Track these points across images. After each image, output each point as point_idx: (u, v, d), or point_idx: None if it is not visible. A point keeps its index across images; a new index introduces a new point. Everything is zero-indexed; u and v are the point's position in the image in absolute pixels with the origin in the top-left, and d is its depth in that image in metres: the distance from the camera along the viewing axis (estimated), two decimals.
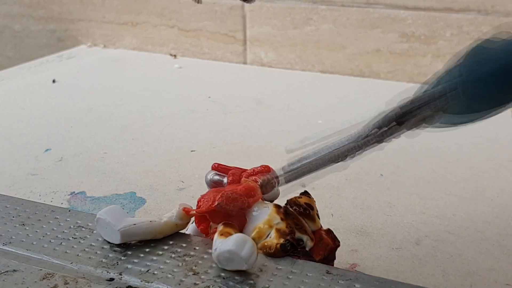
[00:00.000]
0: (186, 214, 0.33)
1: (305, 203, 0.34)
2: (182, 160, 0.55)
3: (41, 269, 0.30)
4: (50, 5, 1.00)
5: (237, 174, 0.35)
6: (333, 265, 0.34)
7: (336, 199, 0.46)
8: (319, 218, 0.34)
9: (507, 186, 0.49)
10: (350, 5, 0.77)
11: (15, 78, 0.82)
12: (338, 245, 0.34)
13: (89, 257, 0.31)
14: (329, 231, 0.34)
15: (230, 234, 0.30)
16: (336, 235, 0.34)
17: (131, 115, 0.67)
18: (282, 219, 0.32)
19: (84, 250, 0.31)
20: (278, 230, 0.32)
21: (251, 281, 0.29)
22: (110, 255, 0.31)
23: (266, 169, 0.35)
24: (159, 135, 0.61)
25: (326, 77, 0.80)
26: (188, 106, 0.69)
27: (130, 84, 0.79)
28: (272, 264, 0.30)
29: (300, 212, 0.33)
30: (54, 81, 0.80)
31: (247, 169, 0.36)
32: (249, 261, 0.29)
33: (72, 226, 0.33)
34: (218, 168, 0.36)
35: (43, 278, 0.29)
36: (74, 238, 0.32)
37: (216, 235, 0.31)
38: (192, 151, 0.57)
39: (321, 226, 0.34)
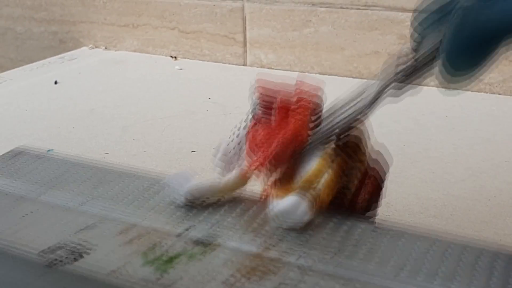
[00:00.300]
0: (244, 174, 0.34)
1: (352, 142, 0.33)
2: (182, 160, 0.55)
3: (117, 225, 0.33)
4: (52, 7, 1.01)
5: (284, 108, 0.33)
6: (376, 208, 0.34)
7: None
8: (367, 149, 0.33)
9: (504, 187, 0.49)
10: (349, 7, 0.78)
11: (17, 79, 0.83)
12: (381, 187, 0.34)
13: (158, 215, 0.34)
14: (372, 170, 0.33)
15: (286, 193, 0.32)
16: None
17: (132, 116, 0.68)
18: (331, 165, 0.32)
19: (153, 209, 0.34)
20: (327, 184, 0.32)
21: (308, 234, 0.31)
22: (177, 213, 0.34)
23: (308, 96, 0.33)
24: (160, 136, 0.62)
25: (325, 79, 0.81)
26: (188, 107, 0.70)
27: (131, 86, 0.80)
28: (327, 218, 0.33)
29: (349, 153, 0.33)
30: (56, 82, 0.81)
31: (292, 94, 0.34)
32: (304, 220, 0.31)
33: (140, 188, 0.37)
34: (264, 97, 0.34)
35: (120, 233, 0.32)
36: (143, 199, 0.35)
37: (272, 194, 0.33)
38: (192, 151, 0.57)
39: (369, 160, 0.33)
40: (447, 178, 0.51)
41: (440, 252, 0.30)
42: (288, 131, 0.33)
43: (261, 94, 0.34)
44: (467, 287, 0.27)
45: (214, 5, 0.87)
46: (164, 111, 0.69)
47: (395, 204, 0.46)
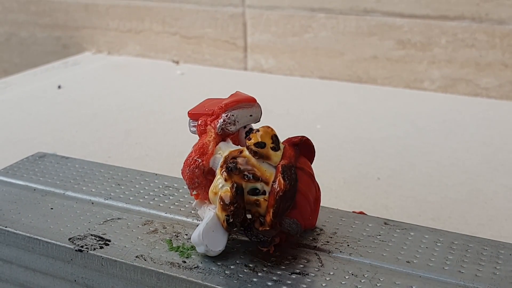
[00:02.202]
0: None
1: (255, 143, 0.30)
2: None
3: (141, 217, 0.35)
4: (55, 13, 1.02)
5: (203, 124, 0.34)
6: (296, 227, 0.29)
7: (334, 202, 0.47)
8: (280, 148, 0.31)
9: (500, 189, 0.50)
10: (348, 13, 0.79)
11: (21, 84, 0.84)
12: (288, 188, 0.28)
13: (180, 209, 0.35)
14: (285, 169, 0.29)
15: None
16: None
17: (134, 120, 0.68)
18: (226, 179, 0.29)
19: (175, 204, 0.36)
20: (221, 200, 0.29)
21: (316, 230, 0.33)
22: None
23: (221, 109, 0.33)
24: (162, 139, 0.62)
25: (324, 83, 0.81)
26: None
27: (133, 90, 0.80)
28: (336, 216, 0.34)
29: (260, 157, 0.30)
30: (59, 87, 0.81)
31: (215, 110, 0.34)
32: (217, 250, 0.30)
33: (160, 186, 0.38)
34: (194, 115, 0.35)
35: (144, 224, 0.34)
36: (164, 195, 0.37)
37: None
38: None
39: (288, 157, 0.30)
40: (445, 182, 0.51)
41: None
42: (195, 152, 0.33)
43: (189, 113, 0.35)
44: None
45: (215, 11, 0.88)
46: (166, 114, 0.70)
47: (393, 207, 0.47)
